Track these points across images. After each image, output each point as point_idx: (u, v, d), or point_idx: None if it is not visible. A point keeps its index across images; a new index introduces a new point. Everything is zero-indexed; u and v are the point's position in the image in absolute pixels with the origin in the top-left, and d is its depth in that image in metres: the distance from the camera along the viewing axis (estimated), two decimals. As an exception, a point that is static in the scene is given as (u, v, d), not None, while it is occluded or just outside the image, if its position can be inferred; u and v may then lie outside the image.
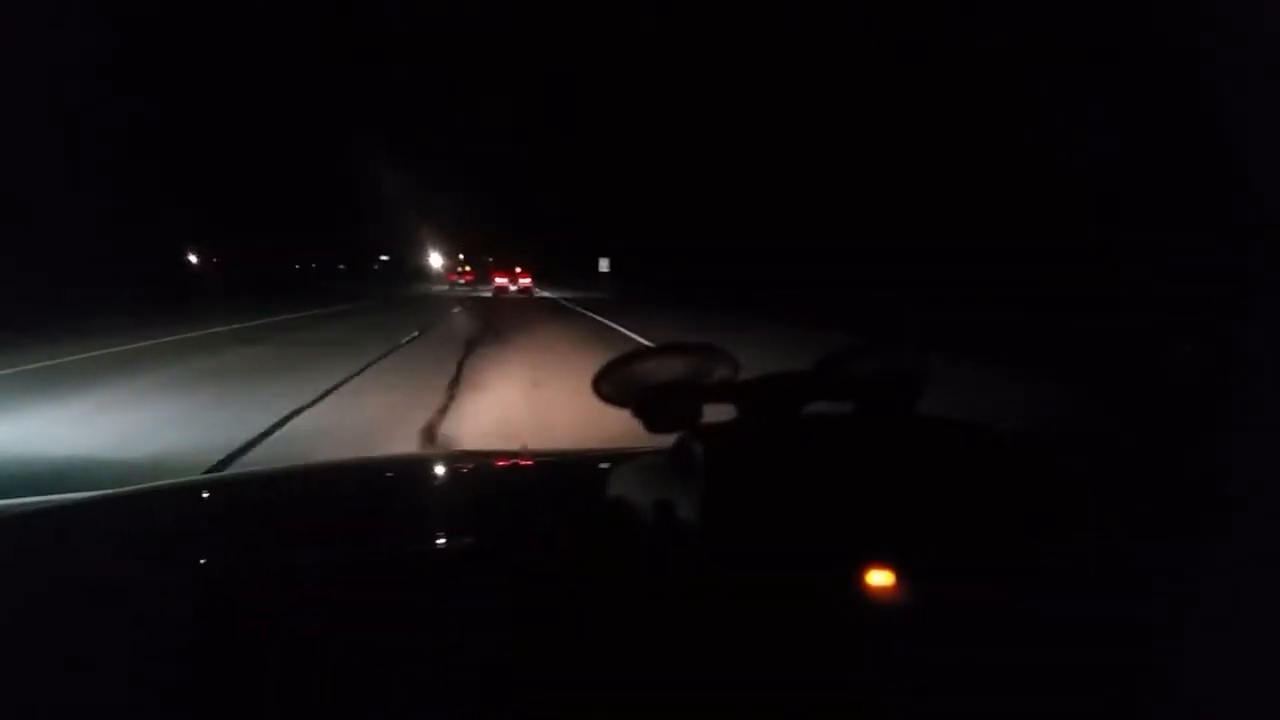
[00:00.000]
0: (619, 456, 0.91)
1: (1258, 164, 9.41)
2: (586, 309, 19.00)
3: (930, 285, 14.89)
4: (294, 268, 44.23)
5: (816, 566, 0.57)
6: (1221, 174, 10.66)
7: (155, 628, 0.57)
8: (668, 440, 0.69)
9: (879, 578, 0.57)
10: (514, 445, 3.88)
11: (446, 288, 43.16)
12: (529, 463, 1.26)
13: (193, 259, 35.78)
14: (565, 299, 27.26)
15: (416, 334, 11.56)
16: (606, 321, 14.97)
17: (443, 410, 5.22)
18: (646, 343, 5.09)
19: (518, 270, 39.25)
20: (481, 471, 1.25)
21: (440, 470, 1.28)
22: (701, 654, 0.51)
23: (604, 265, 40.96)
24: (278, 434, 4.41)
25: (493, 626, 0.56)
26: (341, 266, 46.88)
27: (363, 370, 7.14)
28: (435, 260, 64.18)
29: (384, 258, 66.88)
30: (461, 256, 64.17)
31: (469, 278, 51.18)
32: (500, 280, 37.88)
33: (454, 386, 6.25)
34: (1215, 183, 10.89)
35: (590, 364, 0.81)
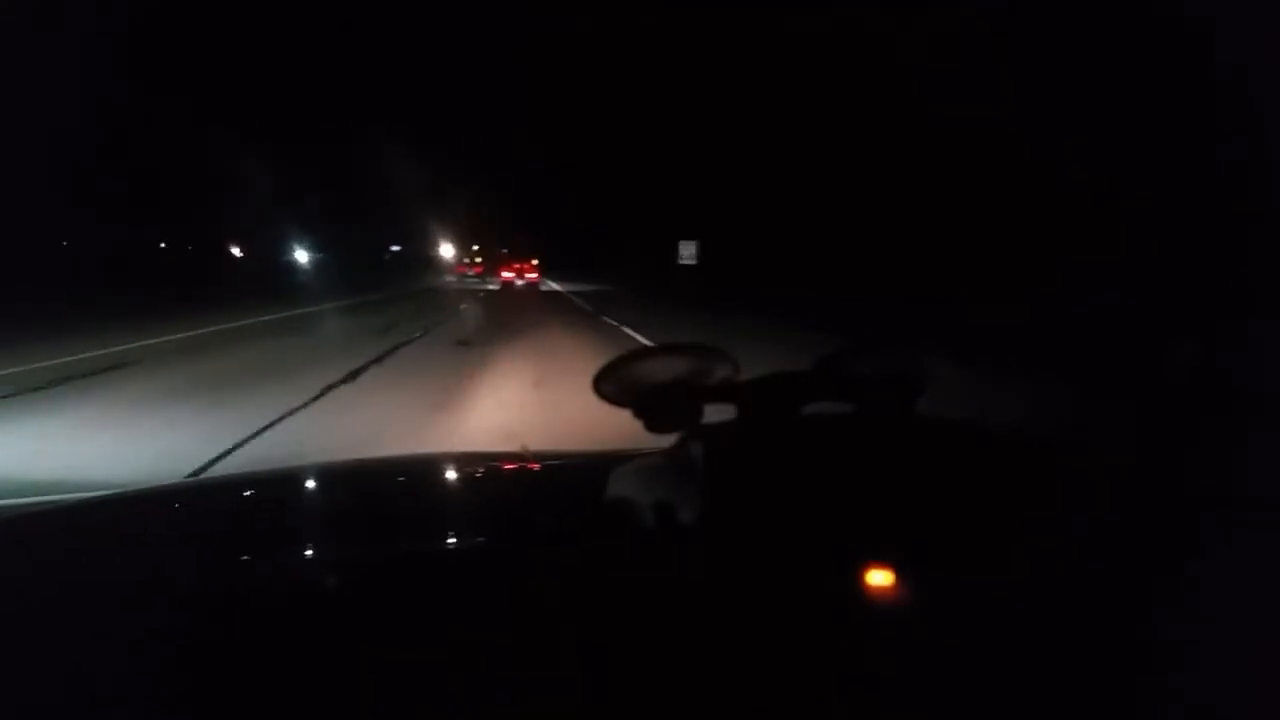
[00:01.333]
0: (620, 458, 0.91)
1: (1260, 157, 9.32)
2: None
3: (929, 286, 14.71)
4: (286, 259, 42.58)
5: (817, 566, 0.58)
6: (1223, 167, 10.55)
7: (158, 628, 0.57)
8: (668, 441, 0.70)
9: (879, 578, 0.57)
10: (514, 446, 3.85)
11: (455, 279, 43.10)
12: (529, 464, 1.25)
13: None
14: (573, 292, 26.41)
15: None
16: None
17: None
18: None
19: (533, 263, 39.40)
20: (481, 472, 1.24)
21: (439, 471, 1.27)
22: (702, 654, 0.51)
23: (687, 254, 27.51)
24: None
25: (493, 627, 0.56)
26: (319, 255, 44.56)
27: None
28: (447, 251, 64.43)
29: (395, 248, 67.10)
30: (476, 248, 64.32)
31: (478, 270, 51.30)
32: (507, 274, 38.43)
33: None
34: (1217, 176, 10.79)
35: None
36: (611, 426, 1.03)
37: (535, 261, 39.34)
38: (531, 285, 34.77)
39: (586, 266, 46.03)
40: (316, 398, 5.57)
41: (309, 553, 0.82)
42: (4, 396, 5.50)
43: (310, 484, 1.15)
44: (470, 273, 50.32)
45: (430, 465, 1.35)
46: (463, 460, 1.42)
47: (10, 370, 6.56)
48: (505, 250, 48.42)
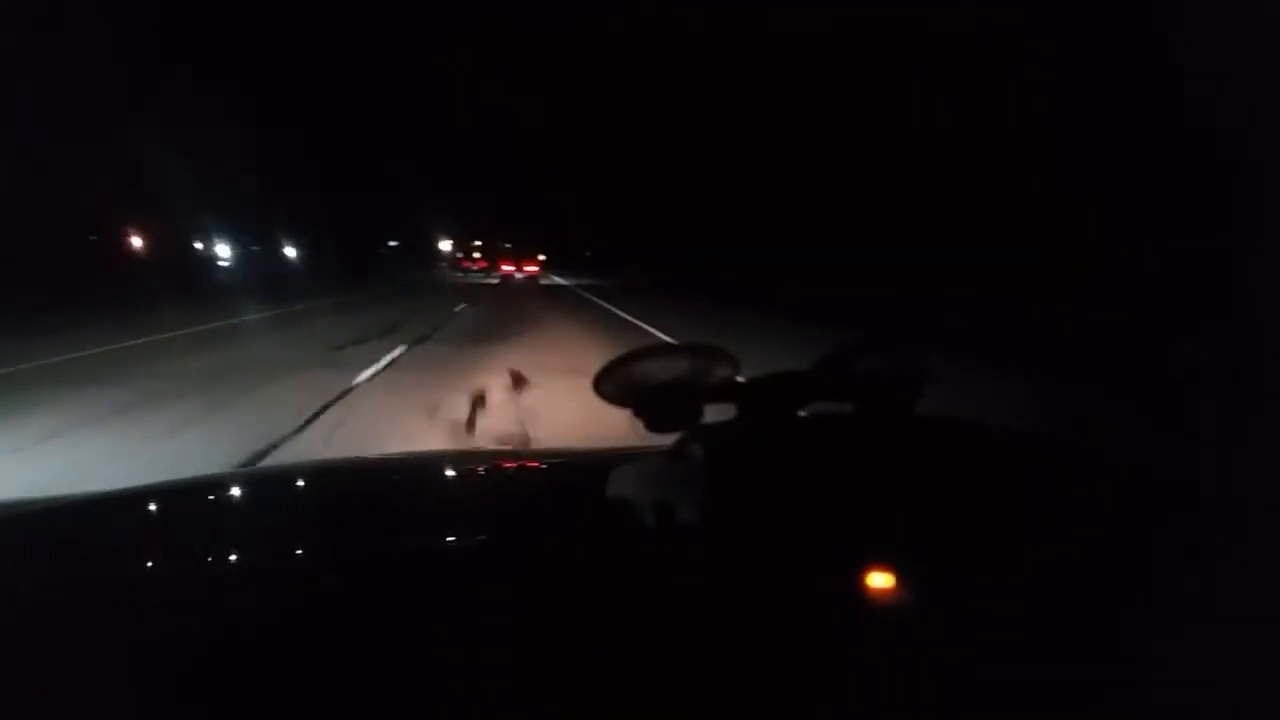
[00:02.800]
0: (620, 457, 0.91)
1: (1258, 157, 9.28)
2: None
3: (929, 283, 14.53)
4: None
5: (817, 566, 0.58)
6: (1222, 167, 10.51)
7: (157, 627, 0.57)
8: (668, 440, 0.69)
9: (879, 578, 0.57)
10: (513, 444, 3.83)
11: (460, 274, 42.95)
12: (528, 462, 1.25)
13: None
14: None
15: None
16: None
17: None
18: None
19: (538, 258, 40.15)
20: (481, 471, 1.24)
21: (439, 469, 1.27)
22: (702, 654, 0.51)
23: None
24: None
25: (493, 627, 0.56)
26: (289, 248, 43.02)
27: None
28: (446, 246, 64.41)
29: (392, 243, 66.74)
30: (479, 243, 64.23)
31: (481, 265, 51.51)
32: (506, 267, 39.40)
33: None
34: (1217, 176, 10.75)
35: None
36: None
37: (541, 258, 40.08)
38: (532, 277, 35.38)
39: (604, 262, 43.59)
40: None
41: (305, 551, 0.82)
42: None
43: (307, 482, 1.14)
44: (474, 268, 50.46)
45: (430, 464, 1.35)
46: (463, 459, 1.41)
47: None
48: (508, 245, 48.85)
